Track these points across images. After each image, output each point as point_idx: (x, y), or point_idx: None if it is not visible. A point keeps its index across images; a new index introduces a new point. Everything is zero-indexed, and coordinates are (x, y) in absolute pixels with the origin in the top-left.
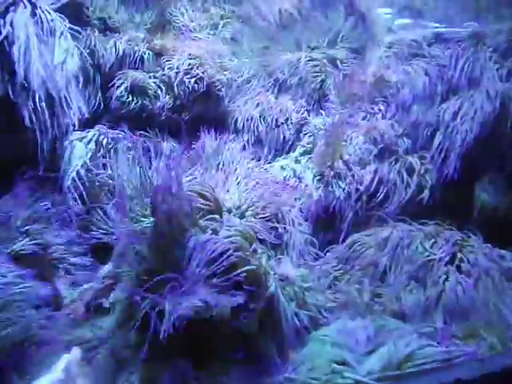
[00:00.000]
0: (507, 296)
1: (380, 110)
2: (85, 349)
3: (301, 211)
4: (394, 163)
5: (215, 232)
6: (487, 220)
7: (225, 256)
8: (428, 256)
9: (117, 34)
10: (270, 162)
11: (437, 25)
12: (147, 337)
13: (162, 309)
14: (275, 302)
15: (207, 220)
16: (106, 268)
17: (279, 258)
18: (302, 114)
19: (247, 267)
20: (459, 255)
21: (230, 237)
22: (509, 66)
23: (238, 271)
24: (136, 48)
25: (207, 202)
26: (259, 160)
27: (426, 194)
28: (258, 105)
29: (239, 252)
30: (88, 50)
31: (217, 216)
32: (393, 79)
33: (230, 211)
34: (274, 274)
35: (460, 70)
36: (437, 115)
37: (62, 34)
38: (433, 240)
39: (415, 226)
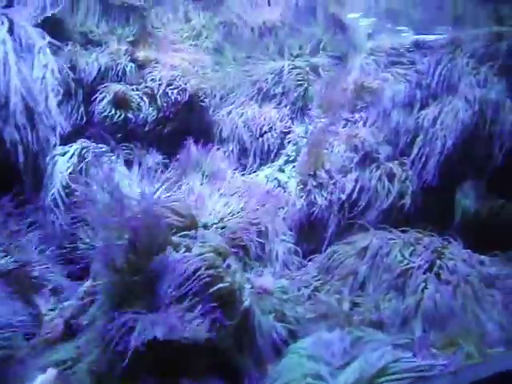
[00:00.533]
0: (486, 303)
1: (361, 117)
2: (60, 368)
3: (285, 220)
4: (375, 170)
5: (188, 249)
6: (468, 225)
7: (196, 275)
8: (407, 264)
9: (98, 48)
10: (255, 171)
11: (414, 32)
12: (122, 355)
13: (134, 327)
14: (250, 317)
15: (181, 237)
16: (86, 285)
17: (259, 270)
18: (286, 122)
19: (219, 285)
20: (438, 262)
21: (202, 254)
22: (486, 72)
23: (210, 290)
24: (118, 61)
25: (181, 219)
26: (244, 169)
27: (407, 200)
28: (242, 114)
29: (211, 270)
30: (69, 65)
31: (190, 232)
32: (373, 86)
33: (206, 226)
34: (251, 288)
35: (438, 76)
36: (416, 121)
37: (40, 49)
38: (412, 248)
39: (395, 233)
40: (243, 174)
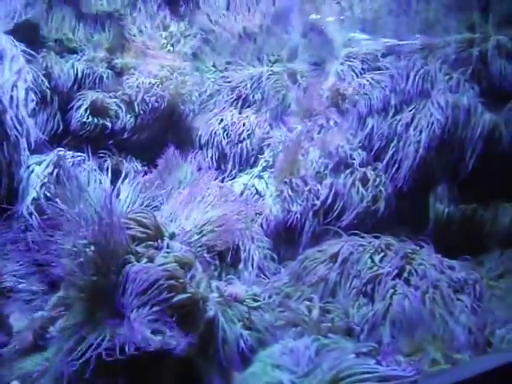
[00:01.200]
0: (455, 307)
1: (336, 123)
2: (27, 381)
3: (261, 227)
4: (349, 176)
5: (151, 260)
6: (441, 230)
7: (155, 286)
8: (377, 270)
9: (75, 55)
10: (234, 177)
11: (387, 39)
12: (86, 366)
13: (99, 338)
14: (215, 326)
15: (145, 247)
16: (56, 296)
17: (231, 278)
18: (265, 128)
19: (179, 296)
20: (408, 268)
21: (164, 264)
22: (458, 77)
23: (170, 301)
24: (95, 68)
25: (146, 230)
26: (223, 175)
27: (381, 205)
28: (221, 120)
29: (172, 280)
30: (44, 72)
31: (154, 243)
32: (348, 92)
33: (172, 236)
34: (221, 296)
35: (412, 82)
36: (390, 127)
37: (13, 57)
38: (383, 254)
39: (367, 239)
40: (222, 181)
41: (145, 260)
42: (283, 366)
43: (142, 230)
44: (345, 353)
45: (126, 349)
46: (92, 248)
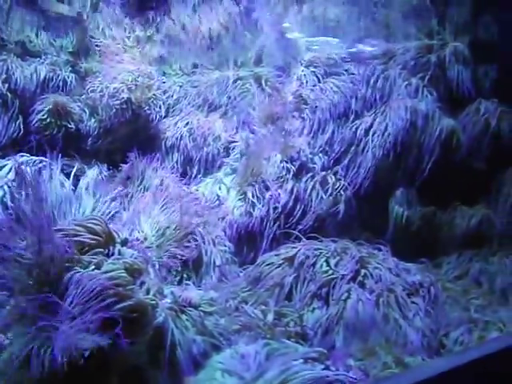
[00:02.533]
0: (409, 311)
1: (297, 127)
2: None
3: (224, 231)
4: (310, 180)
5: (98, 267)
6: (400, 233)
7: (100, 293)
8: (332, 274)
9: (38, 59)
10: (199, 182)
11: (349, 45)
12: (33, 374)
13: (41, 346)
14: (165, 332)
15: (94, 254)
16: (11, 303)
17: (187, 284)
18: (231, 132)
19: (125, 303)
20: (363, 271)
21: (110, 271)
22: (417, 83)
23: (115, 308)
24: (59, 72)
25: (95, 237)
26: (188, 180)
27: (341, 208)
28: (187, 125)
29: (118, 287)
30: (5, 76)
31: (105, 250)
32: (310, 97)
33: (125, 242)
34: (175, 301)
35: (372, 87)
36: (351, 131)
37: None
38: (338, 257)
39: (324, 243)
40: (187, 185)
41: (92, 267)
42: (233, 371)
43: (91, 236)
44: (294, 358)
45: (62, 357)
46: (29, 255)
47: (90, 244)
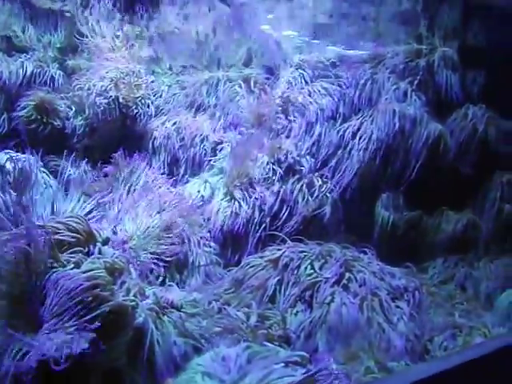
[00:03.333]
0: (393, 315)
1: (285, 130)
2: None
3: (209, 232)
4: (296, 182)
5: (77, 265)
6: (386, 237)
7: (78, 292)
8: (316, 277)
9: (24, 54)
10: (186, 182)
11: (338, 48)
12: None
13: (20, 349)
14: (145, 333)
15: (73, 253)
16: None
17: (169, 285)
18: (218, 133)
19: (103, 303)
20: (347, 275)
21: (90, 270)
22: (405, 87)
23: (93, 308)
24: (46, 68)
25: (76, 235)
26: (175, 180)
27: (327, 211)
28: (175, 125)
29: (97, 288)
30: None
31: (85, 248)
32: (298, 99)
33: (106, 241)
34: (156, 302)
35: (360, 91)
36: (338, 134)
37: None
38: (323, 260)
39: (309, 246)
40: (174, 185)
41: (71, 266)
42: (213, 374)
43: (70, 234)
44: (275, 361)
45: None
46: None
47: (69, 242)
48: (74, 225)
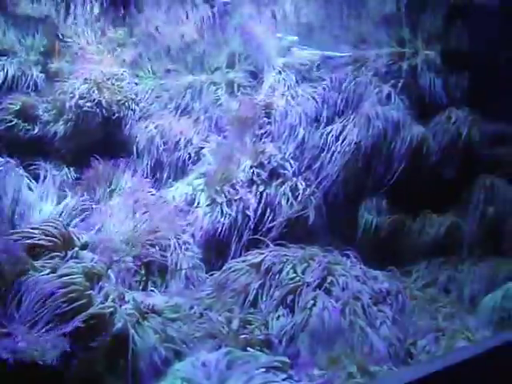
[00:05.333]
0: (376, 319)
1: (269, 133)
2: None
3: (192, 237)
4: (280, 186)
5: (54, 270)
6: (369, 240)
7: (53, 298)
8: (298, 281)
9: (5, 57)
10: (170, 186)
11: (321, 51)
12: None
13: None
14: (124, 339)
15: (50, 258)
16: None
17: (151, 290)
18: (202, 137)
19: (78, 310)
20: (330, 279)
21: (66, 275)
22: (388, 90)
23: (68, 314)
24: (28, 72)
25: (53, 239)
26: (159, 184)
27: (310, 214)
28: (159, 128)
29: (73, 293)
30: None
31: (62, 253)
32: (282, 103)
33: (85, 246)
34: (135, 308)
35: (343, 94)
36: (321, 137)
37: None
38: (305, 264)
39: (292, 249)
40: (157, 189)
41: (47, 271)
42: (194, 380)
43: (47, 239)
44: (256, 367)
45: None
46: None
47: (46, 247)
48: (51, 229)
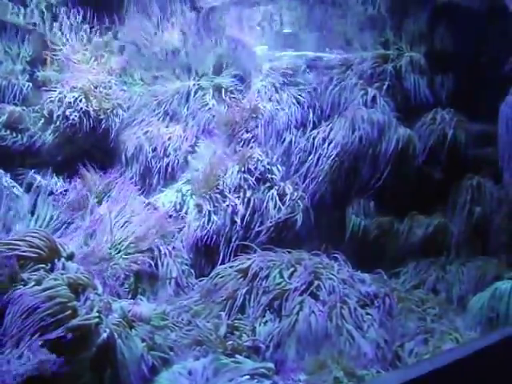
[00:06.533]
0: (363, 322)
1: (256, 137)
2: None
3: (182, 243)
4: (267, 190)
5: (38, 283)
6: (358, 242)
7: (37, 311)
8: (285, 286)
9: None
10: (159, 192)
11: (307, 54)
12: None
13: None
14: (110, 349)
15: (35, 270)
16: None
17: (139, 298)
18: (191, 142)
19: (63, 322)
20: (316, 283)
21: (51, 288)
22: (373, 92)
23: (52, 327)
24: (14, 81)
25: (37, 250)
26: (148, 190)
27: (298, 218)
28: (148, 135)
29: (58, 306)
30: None
31: (47, 265)
32: (268, 107)
33: (71, 256)
34: (122, 317)
35: (329, 97)
36: (308, 141)
37: None
38: (292, 269)
39: (279, 254)
40: (146, 196)
41: (32, 284)
42: None
43: (31, 250)
44: (241, 373)
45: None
46: None
47: (31, 258)
48: (36, 241)
